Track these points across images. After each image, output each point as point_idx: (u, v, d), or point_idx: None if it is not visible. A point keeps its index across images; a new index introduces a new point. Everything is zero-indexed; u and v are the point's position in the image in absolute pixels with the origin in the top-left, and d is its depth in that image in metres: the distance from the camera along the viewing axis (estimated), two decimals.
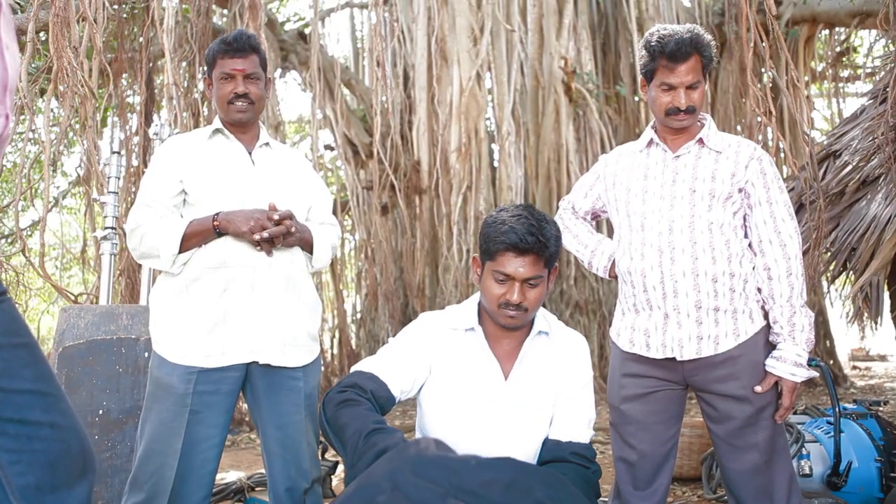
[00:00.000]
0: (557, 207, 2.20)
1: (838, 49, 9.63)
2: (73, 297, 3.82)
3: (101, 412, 2.44)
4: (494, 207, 7.58)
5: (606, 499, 2.12)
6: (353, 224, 9.64)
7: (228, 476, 3.53)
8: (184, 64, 5.66)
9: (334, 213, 2.18)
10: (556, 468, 1.58)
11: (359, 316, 9.63)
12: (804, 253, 1.87)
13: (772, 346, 1.80)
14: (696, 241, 1.78)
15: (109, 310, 2.56)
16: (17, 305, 1.13)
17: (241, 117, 1.94)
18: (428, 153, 8.20)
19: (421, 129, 8.28)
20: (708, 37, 1.80)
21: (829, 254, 3.82)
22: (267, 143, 2.02)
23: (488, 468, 1.39)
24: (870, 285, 3.44)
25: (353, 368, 1.72)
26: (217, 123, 1.98)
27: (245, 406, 3.11)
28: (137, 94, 6.17)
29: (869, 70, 9.55)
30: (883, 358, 13.36)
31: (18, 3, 5.21)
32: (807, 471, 2.70)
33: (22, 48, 3.69)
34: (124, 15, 6.06)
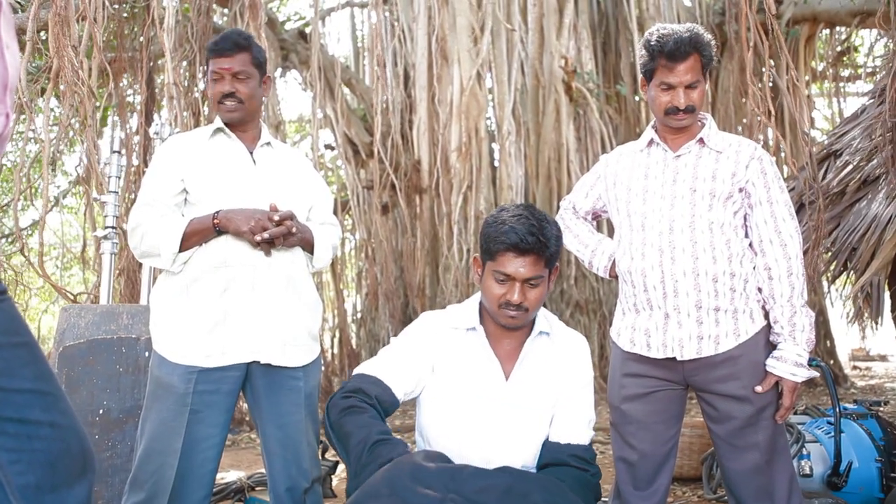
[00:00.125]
0: (558, 207, 2.20)
1: (839, 48, 9.63)
2: (72, 297, 3.82)
3: (101, 412, 2.44)
4: (495, 207, 7.58)
5: (607, 499, 2.12)
6: (354, 223, 9.64)
7: (229, 476, 3.54)
8: (184, 63, 5.66)
9: (335, 212, 2.17)
10: (555, 472, 1.58)
11: (359, 315, 9.63)
12: (804, 253, 1.87)
13: (772, 346, 1.79)
14: (697, 241, 1.78)
15: (110, 309, 2.56)
16: (17, 305, 1.13)
17: (230, 117, 1.94)
18: (428, 152, 8.20)
19: (421, 129, 8.28)
20: (708, 36, 1.79)
21: (829, 254, 3.82)
22: (268, 143, 2.02)
23: (484, 476, 1.39)
24: (870, 285, 3.44)
25: (356, 371, 1.72)
26: (218, 122, 1.98)
27: (245, 406, 3.11)
28: (138, 94, 6.17)
29: (869, 70, 9.54)
30: (883, 358, 13.35)
31: (19, 3, 5.21)
32: (807, 471, 2.70)
33: (21, 47, 3.69)
34: (125, 14, 6.05)
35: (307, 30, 8.88)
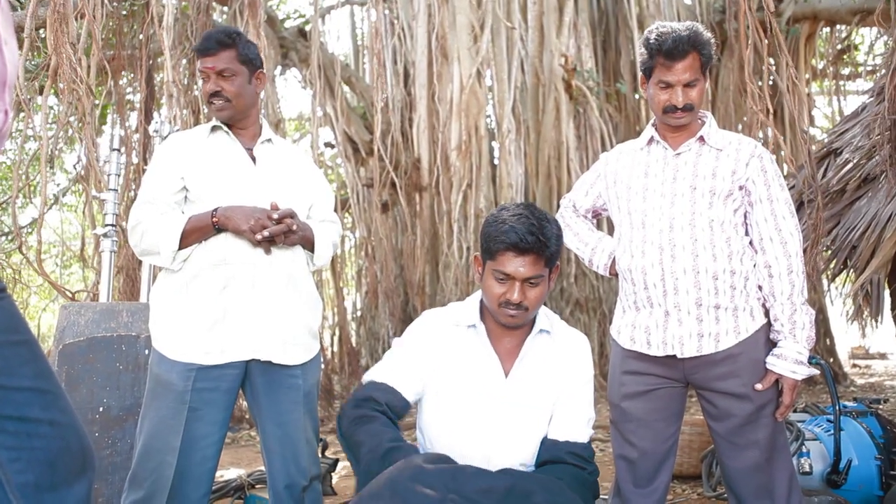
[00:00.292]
0: (558, 205, 2.20)
1: (839, 47, 9.62)
2: (70, 295, 3.82)
3: (101, 409, 2.44)
4: (495, 205, 7.59)
5: (606, 497, 2.12)
6: (354, 222, 9.63)
7: (228, 473, 3.53)
8: (184, 61, 5.66)
9: (335, 210, 2.17)
10: (553, 469, 1.58)
11: (359, 314, 9.63)
12: (804, 251, 1.87)
13: (772, 344, 1.80)
14: (697, 239, 1.78)
15: (110, 307, 2.56)
16: (16, 303, 1.13)
17: (219, 115, 1.94)
18: (428, 150, 8.19)
19: (421, 127, 8.27)
20: (707, 35, 1.79)
21: (829, 252, 3.82)
22: (269, 140, 2.01)
23: (485, 476, 1.39)
24: (870, 283, 3.44)
25: (365, 378, 1.73)
26: (216, 120, 1.98)
27: (245, 403, 3.11)
28: (137, 92, 6.17)
29: (870, 68, 9.54)
30: (883, 356, 13.36)
31: (18, 0, 5.20)
32: (807, 469, 2.70)
33: (20, 45, 3.69)
34: (124, 12, 6.05)
35: (307, 28, 8.87)
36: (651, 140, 1.90)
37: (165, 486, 1.75)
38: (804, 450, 2.76)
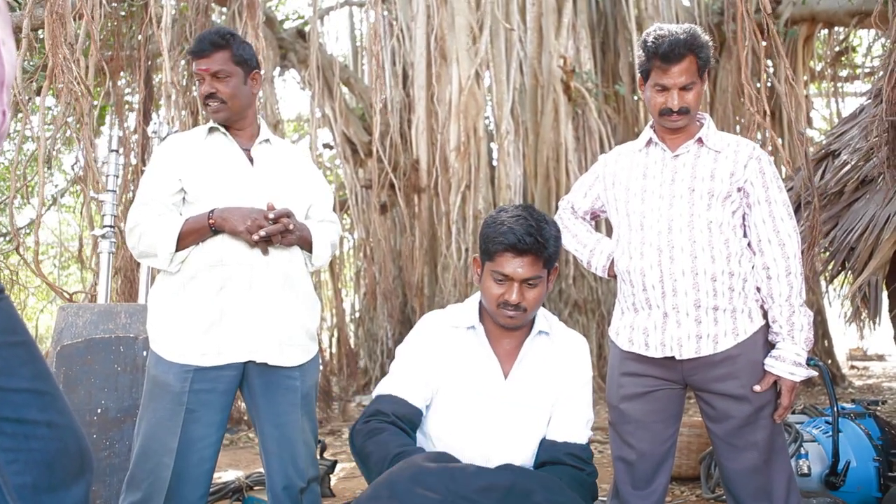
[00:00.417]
0: (557, 207, 2.20)
1: (837, 48, 9.63)
2: (68, 296, 3.81)
3: (99, 411, 2.43)
4: (493, 206, 7.59)
5: (605, 498, 2.12)
6: (352, 223, 9.63)
7: (227, 475, 3.53)
8: (182, 62, 5.65)
9: (334, 210, 2.17)
10: (551, 471, 1.58)
11: (357, 315, 9.63)
12: (802, 252, 1.88)
13: (771, 346, 1.80)
14: (696, 240, 1.78)
15: (108, 308, 2.56)
16: (14, 304, 1.12)
17: (215, 117, 1.93)
18: (427, 152, 8.19)
19: (420, 128, 8.27)
20: (705, 37, 1.79)
21: (827, 253, 3.82)
22: (267, 140, 2.01)
23: (486, 474, 1.39)
24: (868, 285, 3.45)
25: (374, 393, 1.74)
26: (213, 121, 1.97)
27: (244, 405, 3.11)
28: (136, 93, 6.16)
29: (868, 70, 9.56)
30: (881, 357, 13.37)
31: (17, 1, 5.19)
32: (805, 470, 2.70)
33: (17, 45, 3.68)
34: (122, 13, 6.04)
35: (306, 29, 8.87)
36: (649, 142, 1.90)
37: (163, 488, 1.75)
38: (802, 451, 2.76)
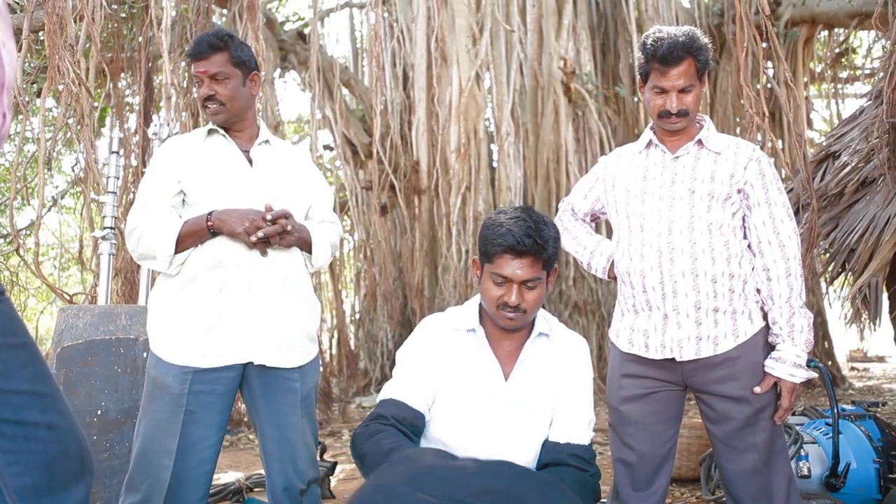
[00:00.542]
0: (557, 208, 2.20)
1: (837, 50, 9.64)
2: (68, 297, 3.81)
3: (99, 412, 2.43)
4: (494, 208, 7.59)
5: (605, 500, 2.12)
6: (353, 224, 9.63)
7: (227, 476, 3.53)
8: (183, 64, 5.66)
9: (334, 211, 2.16)
10: (554, 472, 1.58)
11: (357, 316, 9.62)
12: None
13: (771, 347, 1.80)
14: (696, 242, 1.78)
15: (108, 310, 2.56)
16: (14, 306, 1.13)
17: (215, 119, 1.93)
18: (427, 153, 8.20)
19: (420, 130, 8.28)
20: (704, 40, 1.80)
21: (827, 255, 3.82)
22: (266, 141, 2.01)
23: (484, 475, 1.38)
24: (868, 286, 3.44)
25: (377, 398, 1.74)
26: (212, 123, 1.97)
27: (244, 406, 3.10)
28: (136, 94, 6.17)
29: (868, 71, 9.56)
30: (881, 359, 13.36)
31: (17, 3, 5.20)
32: (805, 472, 2.70)
33: (17, 47, 3.69)
34: (123, 14, 6.05)
35: (306, 30, 8.88)
36: (649, 144, 1.90)
37: (162, 490, 1.75)
38: (803, 453, 2.76)
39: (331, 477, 3.46)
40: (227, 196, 1.87)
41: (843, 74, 10.20)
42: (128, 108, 6.65)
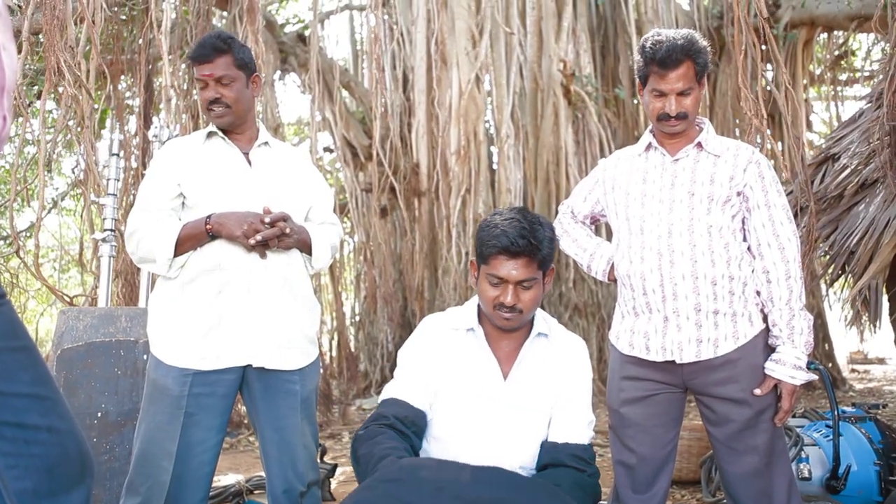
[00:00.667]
0: (556, 210, 2.20)
1: (836, 52, 9.65)
2: (68, 299, 3.81)
3: (99, 414, 2.43)
4: (493, 210, 7.58)
5: (605, 501, 2.12)
6: (353, 226, 9.63)
7: (227, 479, 3.52)
8: (183, 66, 5.66)
9: (334, 213, 2.16)
10: (553, 472, 1.58)
11: (357, 318, 9.62)
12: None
13: (771, 349, 1.80)
14: (696, 244, 1.78)
15: (108, 312, 2.56)
16: (15, 308, 1.12)
17: (220, 122, 1.93)
18: (427, 155, 8.20)
19: (420, 132, 8.28)
20: (703, 43, 1.80)
21: (827, 257, 3.83)
22: (266, 143, 2.01)
23: (477, 484, 1.37)
24: (868, 288, 3.45)
25: (379, 399, 1.74)
26: (212, 126, 1.97)
27: (244, 408, 3.10)
28: (137, 96, 6.17)
29: (867, 73, 9.57)
30: (882, 361, 13.35)
31: (18, 6, 5.20)
32: (806, 474, 2.70)
33: (17, 49, 3.69)
34: (123, 17, 6.05)
35: (306, 33, 8.89)
36: (649, 146, 1.90)
37: (162, 492, 1.74)
38: (803, 455, 2.76)
39: (331, 479, 3.46)
40: (226, 198, 1.87)
41: (843, 77, 10.21)
42: (128, 110, 6.66)
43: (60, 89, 3.60)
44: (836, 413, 2.79)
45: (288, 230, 1.83)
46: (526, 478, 1.53)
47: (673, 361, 1.80)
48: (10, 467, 1.02)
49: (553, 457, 1.63)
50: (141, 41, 5.46)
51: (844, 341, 9.83)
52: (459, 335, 1.74)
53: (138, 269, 4.01)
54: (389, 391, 1.71)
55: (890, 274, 3.62)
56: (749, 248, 1.84)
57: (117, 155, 3.11)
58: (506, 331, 1.70)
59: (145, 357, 2.48)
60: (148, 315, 1.91)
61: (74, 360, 2.42)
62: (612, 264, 1.97)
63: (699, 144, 1.84)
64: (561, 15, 8.36)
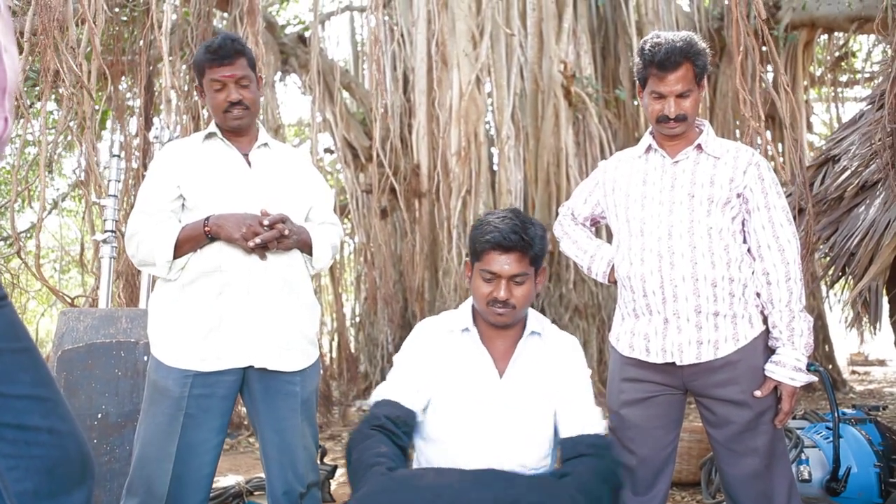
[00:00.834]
0: (557, 212, 2.21)
1: (837, 54, 9.65)
2: (69, 300, 3.81)
3: (99, 416, 2.43)
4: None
5: None
6: (353, 227, 9.63)
7: (227, 480, 3.52)
8: (184, 67, 5.67)
9: (334, 213, 2.16)
10: (572, 464, 1.56)
11: (358, 319, 9.62)
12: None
13: (771, 351, 1.80)
14: (696, 246, 1.78)
15: (109, 313, 2.56)
16: (16, 310, 1.13)
17: (238, 124, 1.93)
18: (427, 157, 8.20)
19: (421, 133, 8.28)
20: (702, 45, 1.80)
21: (828, 258, 3.83)
22: (266, 144, 2.01)
23: (471, 488, 1.37)
24: (868, 290, 3.45)
25: (372, 398, 1.75)
26: (212, 127, 1.97)
27: (244, 409, 3.10)
28: (137, 98, 6.17)
29: (867, 75, 9.58)
30: (882, 363, 13.35)
31: (18, 6, 5.21)
32: (806, 476, 2.70)
33: (19, 50, 3.69)
34: (124, 18, 6.06)
35: (307, 34, 8.89)
36: (649, 148, 1.91)
37: (162, 494, 1.74)
38: (803, 457, 2.76)
39: (331, 480, 3.46)
40: (226, 199, 1.87)
41: (843, 78, 10.22)
42: (128, 111, 6.66)
43: (62, 90, 3.60)
44: (836, 415, 2.79)
45: (287, 232, 1.83)
46: (526, 476, 1.53)
47: (673, 363, 1.80)
48: (11, 469, 1.02)
49: (572, 449, 1.62)
50: (142, 42, 5.47)
51: (845, 343, 9.83)
52: (455, 336, 1.76)
53: (139, 271, 4.01)
54: (381, 392, 1.72)
55: (890, 276, 3.63)
56: (749, 250, 1.84)
57: (118, 156, 3.11)
58: (499, 327, 1.72)
59: (146, 358, 2.47)
60: (148, 316, 1.91)
61: (75, 362, 2.42)
62: (613, 266, 1.98)
63: (699, 146, 1.85)
64: (561, 16, 8.36)
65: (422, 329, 1.81)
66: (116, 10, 5.51)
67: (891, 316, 4.13)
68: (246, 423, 5.84)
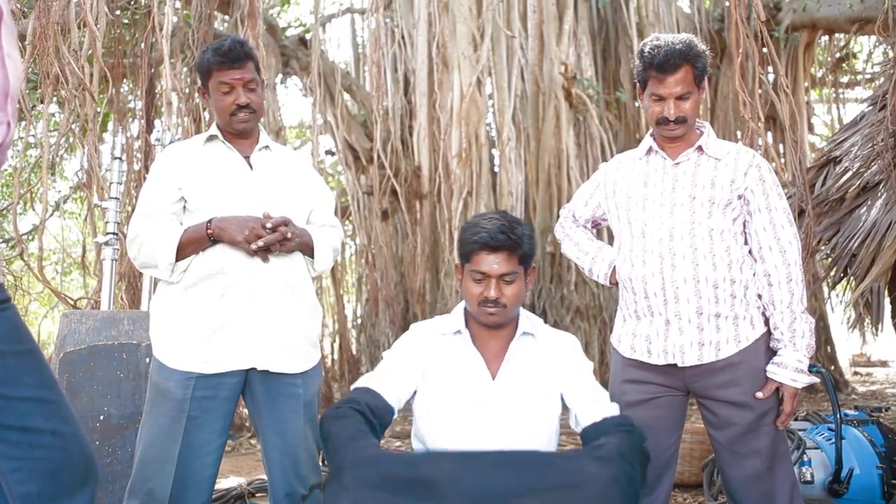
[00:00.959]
0: (558, 214, 2.21)
1: (838, 55, 9.65)
2: (71, 302, 3.82)
3: (102, 418, 2.44)
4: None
5: None
6: (354, 229, 9.64)
7: (229, 482, 3.52)
8: (185, 69, 5.68)
9: (335, 215, 2.17)
10: (601, 441, 1.51)
11: (359, 321, 9.62)
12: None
13: (773, 353, 1.80)
14: (697, 248, 1.78)
15: (111, 315, 2.56)
16: (19, 312, 1.13)
17: (244, 127, 1.94)
18: (429, 158, 8.21)
19: (422, 135, 8.29)
20: (702, 47, 1.80)
21: (829, 259, 3.82)
22: (267, 147, 2.01)
23: (497, 469, 1.37)
24: (870, 291, 3.45)
25: (353, 386, 1.76)
26: (213, 130, 1.97)
27: (246, 411, 3.10)
28: (139, 100, 6.19)
29: (868, 76, 9.58)
30: (884, 364, 13.34)
31: (22, 11, 5.22)
32: (808, 477, 2.69)
33: (21, 53, 3.70)
34: (125, 21, 6.07)
35: (308, 36, 8.91)
36: (650, 150, 1.91)
37: (165, 495, 1.75)
38: (805, 458, 2.75)
39: None
40: (227, 202, 1.87)
41: (844, 79, 10.21)
42: (130, 113, 6.67)
43: (64, 93, 3.61)
44: (838, 416, 2.79)
45: (289, 234, 1.84)
46: (524, 452, 1.53)
47: (675, 365, 1.80)
48: (15, 471, 1.03)
49: (596, 434, 1.59)
50: (143, 45, 5.48)
51: (847, 344, 9.82)
52: (447, 339, 1.77)
53: (140, 273, 4.02)
54: (365, 380, 1.73)
55: (892, 277, 3.62)
56: (750, 252, 1.84)
57: (120, 158, 3.12)
58: (491, 327, 1.73)
59: (148, 360, 2.48)
60: (150, 318, 1.91)
61: (77, 364, 2.43)
62: (614, 268, 1.98)
63: (700, 148, 1.85)
64: (562, 18, 8.37)
65: (413, 331, 1.83)
66: (118, 12, 5.53)
67: (893, 317, 4.13)
68: (248, 424, 5.84)
